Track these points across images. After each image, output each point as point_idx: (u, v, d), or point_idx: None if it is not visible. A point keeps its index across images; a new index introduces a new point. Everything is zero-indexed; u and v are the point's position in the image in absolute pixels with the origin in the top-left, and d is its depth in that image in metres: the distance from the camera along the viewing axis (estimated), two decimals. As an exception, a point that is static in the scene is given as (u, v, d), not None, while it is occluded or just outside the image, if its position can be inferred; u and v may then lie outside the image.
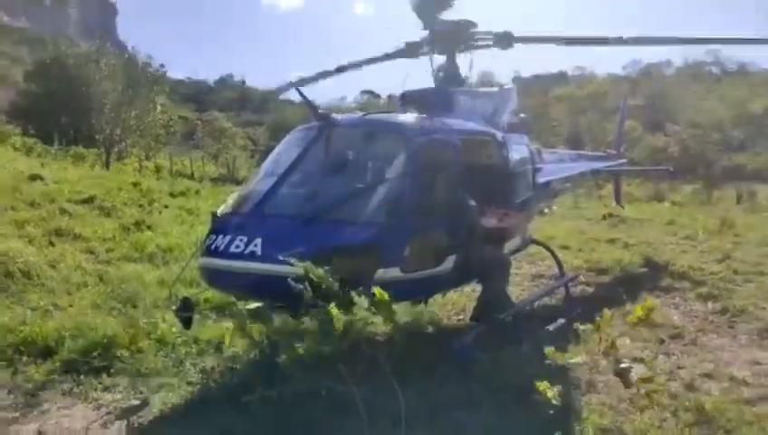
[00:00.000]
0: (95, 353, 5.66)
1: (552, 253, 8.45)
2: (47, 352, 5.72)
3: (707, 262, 10.90)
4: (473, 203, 5.97)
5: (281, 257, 4.65)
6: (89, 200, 15.15)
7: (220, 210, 5.61)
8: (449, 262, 5.76)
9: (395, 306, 7.06)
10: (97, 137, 34.71)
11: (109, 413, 4.76)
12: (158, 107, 36.06)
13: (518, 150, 7.50)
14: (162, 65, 37.48)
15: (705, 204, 24.26)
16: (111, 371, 5.51)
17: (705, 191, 27.50)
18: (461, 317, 7.62)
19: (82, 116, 36.45)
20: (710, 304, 8.18)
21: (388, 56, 7.45)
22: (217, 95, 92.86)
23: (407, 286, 5.33)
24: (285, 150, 5.94)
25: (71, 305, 7.20)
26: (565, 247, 12.45)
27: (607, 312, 5.82)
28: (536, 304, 7.80)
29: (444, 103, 6.82)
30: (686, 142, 35.48)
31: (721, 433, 4.49)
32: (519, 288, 9.21)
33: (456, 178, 6.02)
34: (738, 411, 4.79)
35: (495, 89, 8.12)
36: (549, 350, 4.84)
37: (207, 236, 5.27)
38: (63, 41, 48.78)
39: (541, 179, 8.19)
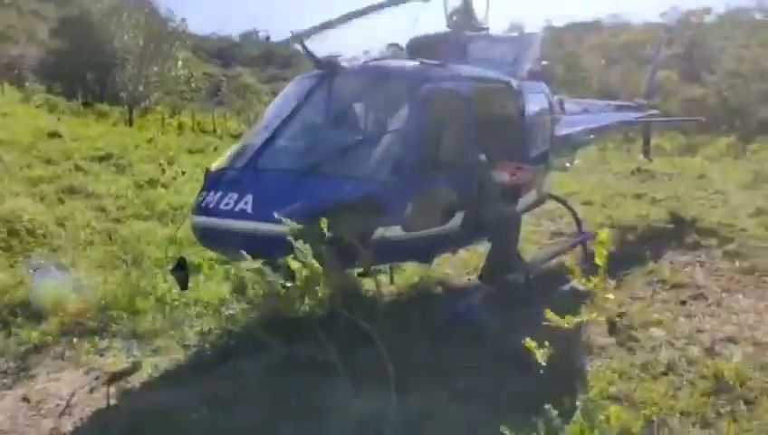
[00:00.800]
0: (90, 315, 5.54)
1: (570, 209, 8.04)
2: (43, 314, 5.60)
3: (738, 218, 10.35)
4: (483, 156, 5.60)
5: (272, 215, 4.40)
6: (105, 158, 15.14)
7: (214, 166, 5.35)
8: (456, 220, 5.43)
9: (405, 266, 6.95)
10: (121, 94, 34.71)
11: (97, 378, 4.63)
12: (179, 62, 35.74)
13: (535, 100, 7.02)
14: (183, 19, 37.04)
15: (739, 158, 23.26)
16: (106, 333, 5.39)
17: (739, 144, 26.36)
18: (472, 277, 7.32)
19: (107, 72, 36.42)
20: (737, 263, 7.71)
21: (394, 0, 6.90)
22: (242, 51, 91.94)
23: (409, 246, 5.05)
24: (283, 101, 5.61)
25: (73, 265, 7.10)
26: (588, 203, 11.99)
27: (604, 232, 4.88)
28: (552, 263, 7.44)
29: (456, 50, 6.37)
30: (724, 93, 33.99)
31: (741, 404, 4.16)
32: (536, 246, 8.85)
33: (465, 129, 5.63)
34: (761, 380, 4.45)
35: (515, 34, 7.59)
36: (549, 312, 4.42)
37: (199, 193, 5.03)
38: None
39: (560, 131, 7.72)
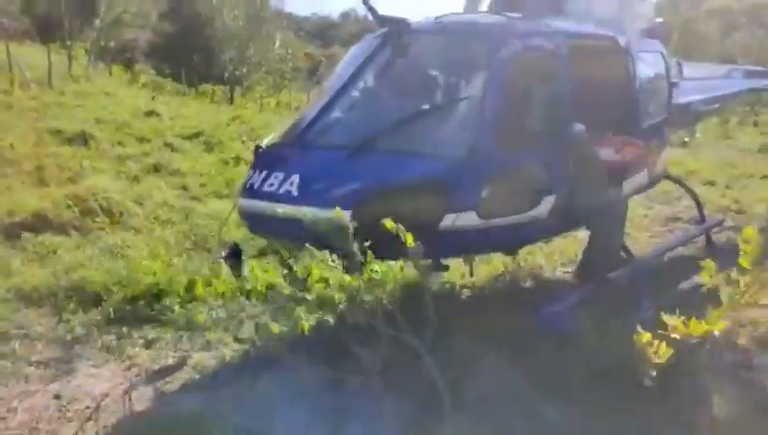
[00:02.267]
0: (143, 302, 5.18)
1: (691, 192, 6.84)
2: (97, 299, 5.30)
3: None
4: (580, 128, 4.65)
5: (319, 199, 3.77)
6: (196, 135, 15.24)
7: (265, 142, 4.77)
8: (545, 205, 4.54)
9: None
10: (226, 74, 35.60)
11: (138, 375, 4.21)
12: (277, 42, 36.10)
13: (649, 61, 5.90)
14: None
15: None
16: (158, 322, 5.00)
17: None
18: (569, 270, 6.37)
19: (212, 53, 37.50)
20: None
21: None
22: (340, 30, 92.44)
23: (486, 236, 4.24)
24: (345, 67, 4.90)
25: (147, 245, 6.86)
26: (710, 184, 10.54)
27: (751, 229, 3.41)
28: (666, 256, 6.32)
29: (548, 2, 5.38)
30: None
31: None
32: (647, 234, 7.70)
33: (560, 95, 4.68)
34: None
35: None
36: (669, 317, 3.40)
37: (248, 172, 4.48)
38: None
39: (679, 99, 6.53)
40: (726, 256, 6.55)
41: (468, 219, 4.06)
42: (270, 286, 5.27)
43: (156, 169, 10.92)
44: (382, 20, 4.68)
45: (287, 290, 3.99)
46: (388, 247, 3.22)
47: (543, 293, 5.67)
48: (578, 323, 4.44)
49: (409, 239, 3.13)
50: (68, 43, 23.05)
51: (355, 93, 4.51)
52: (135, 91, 23.85)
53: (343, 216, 3.40)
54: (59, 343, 4.67)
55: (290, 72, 39.97)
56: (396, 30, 4.61)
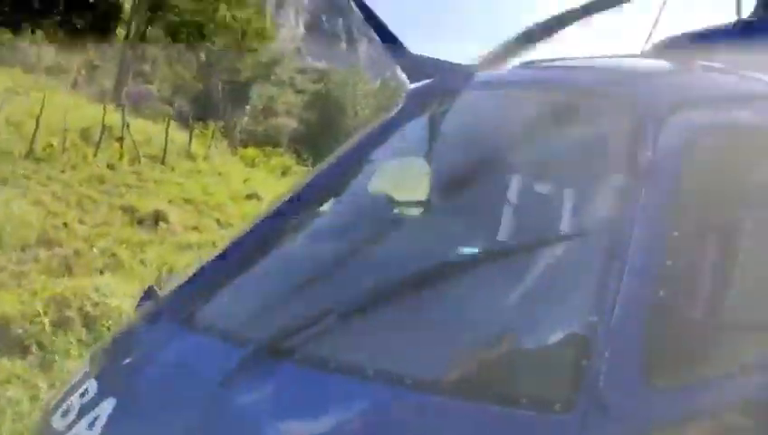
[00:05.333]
0: None
1: None
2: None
3: None
4: None
5: None
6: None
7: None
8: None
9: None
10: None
11: None
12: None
13: None
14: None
15: None
16: None
17: None
18: None
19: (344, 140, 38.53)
20: None
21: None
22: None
23: None
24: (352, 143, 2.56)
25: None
26: None
27: None
28: None
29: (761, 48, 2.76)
30: None
31: None
32: None
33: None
34: None
35: None
36: None
37: None
38: (344, 74, 52.21)
39: None
40: None
41: None
42: None
43: (208, 262, 9.20)
44: (415, 64, 2.32)
45: None
46: None
47: None
48: None
49: None
50: (191, 122, 23.39)
51: (323, 215, 2.14)
52: (253, 173, 23.36)
53: None
54: None
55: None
56: (441, 84, 2.22)
